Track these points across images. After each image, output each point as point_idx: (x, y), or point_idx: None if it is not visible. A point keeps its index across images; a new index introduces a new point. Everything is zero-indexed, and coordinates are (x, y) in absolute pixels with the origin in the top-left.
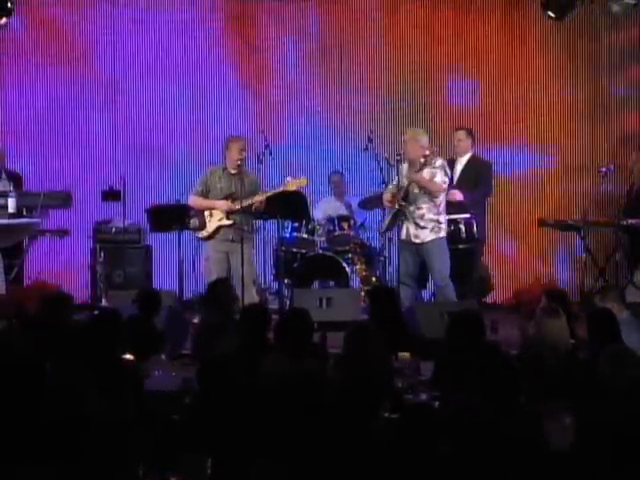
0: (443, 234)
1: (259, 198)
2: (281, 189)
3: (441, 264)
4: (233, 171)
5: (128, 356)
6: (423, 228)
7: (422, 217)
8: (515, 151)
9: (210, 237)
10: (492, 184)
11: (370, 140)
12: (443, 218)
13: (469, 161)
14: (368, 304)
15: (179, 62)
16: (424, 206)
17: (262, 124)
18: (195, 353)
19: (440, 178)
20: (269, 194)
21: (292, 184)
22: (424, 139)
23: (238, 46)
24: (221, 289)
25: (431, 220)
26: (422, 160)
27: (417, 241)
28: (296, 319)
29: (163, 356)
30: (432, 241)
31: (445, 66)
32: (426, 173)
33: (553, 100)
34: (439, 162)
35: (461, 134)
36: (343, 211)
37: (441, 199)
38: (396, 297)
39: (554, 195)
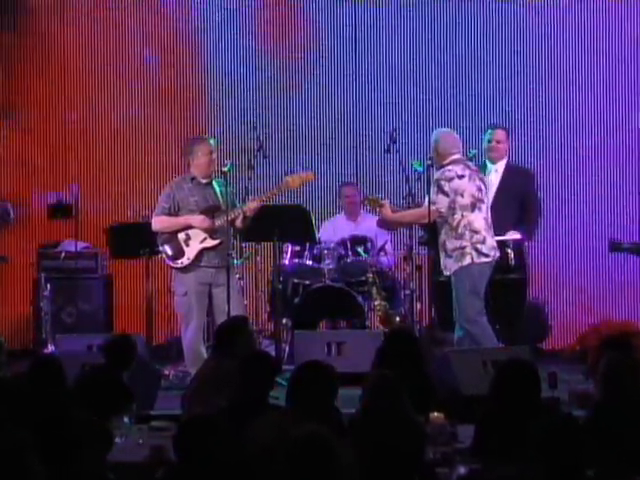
0: (468, 260)
1: (253, 204)
2: (282, 187)
3: (464, 299)
4: (204, 180)
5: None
6: (448, 257)
7: (444, 245)
8: (579, 158)
9: (191, 265)
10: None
11: (393, 140)
12: (469, 240)
13: (508, 170)
14: (379, 351)
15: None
16: (442, 231)
17: (254, 119)
18: (191, 410)
19: (431, 197)
20: (265, 197)
21: (294, 180)
22: (438, 143)
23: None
24: (242, 330)
25: (454, 248)
26: None
27: (447, 273)
28: (314, 373)
29: (126, 419)
30: (455, 272)
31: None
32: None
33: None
34: (436, 174)
35: (502, 134)
36: (357, 232)
37: (458, 218)
38: (417, 343)
39: (629, 212)
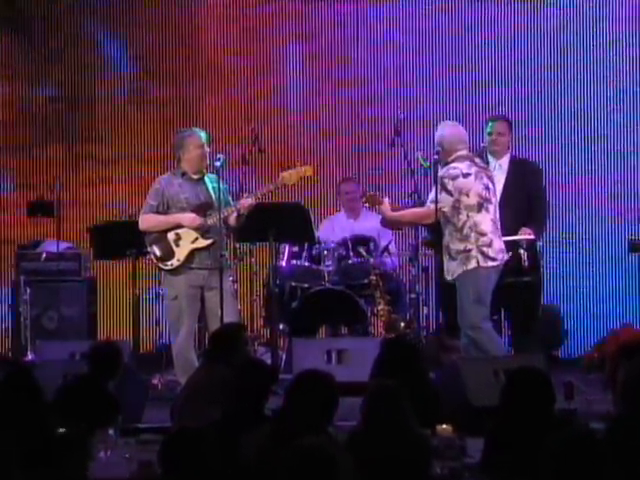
0: (474, 264)
1: (248, 202)
2: (278, 183)
3: (468, 306)
4: (195, 176)
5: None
6: (452, 260)
7: (447, 247)
8: (596, 155)
9: (182, 267)
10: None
11: (398, 133)
12: (475, 243)
13: (513, 165)
14: (376, 362)
15: None
16: (446, 232)
17: (250, 111)
18: (181, 422)
19: (431, 196)
20: (260, 194)
21: (291, 175)
22: (443, 137)
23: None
24: (237, 338)
25: (458, 251)
26: None
27: (449, 277)
28: (312, 383)
29: (111, 431)
30: (459, 276)
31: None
32: None
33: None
34: (440, 171)
35: (503, 126)
36: (359, 232)
37: (463, 219)
38: (416, 351)
39: None
